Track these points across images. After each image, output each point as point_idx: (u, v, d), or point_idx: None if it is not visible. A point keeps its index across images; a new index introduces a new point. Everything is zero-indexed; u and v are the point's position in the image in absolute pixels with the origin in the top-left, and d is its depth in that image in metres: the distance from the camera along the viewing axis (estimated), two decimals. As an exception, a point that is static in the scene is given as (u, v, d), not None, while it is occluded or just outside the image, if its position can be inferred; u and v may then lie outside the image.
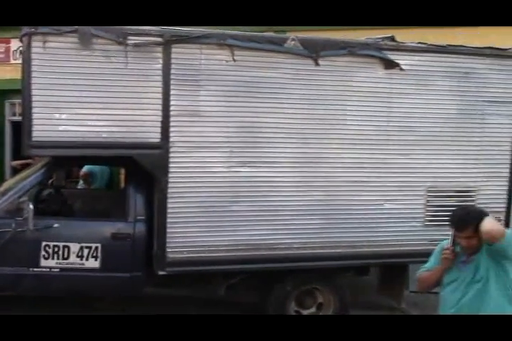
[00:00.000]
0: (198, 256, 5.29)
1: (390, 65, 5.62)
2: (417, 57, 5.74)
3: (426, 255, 5.84)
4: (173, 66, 5.10)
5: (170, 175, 5.15)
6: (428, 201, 5.85)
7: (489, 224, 3.29)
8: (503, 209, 6.10)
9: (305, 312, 5.84)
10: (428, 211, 5.85)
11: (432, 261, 3.83)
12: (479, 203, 6.00)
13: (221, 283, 5.72)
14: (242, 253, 5.40)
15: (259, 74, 5.33)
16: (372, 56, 5.57)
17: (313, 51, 5.40)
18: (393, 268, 6.30)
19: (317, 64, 5.41)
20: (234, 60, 5.23)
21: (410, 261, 6.22)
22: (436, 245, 5.89)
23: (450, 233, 3.64)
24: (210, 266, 5.36)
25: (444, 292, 3.69)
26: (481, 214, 3.43)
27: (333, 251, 5.61)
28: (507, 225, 6.16)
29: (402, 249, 5.81)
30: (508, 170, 6.07)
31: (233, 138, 5.32)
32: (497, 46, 6.14)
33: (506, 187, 6.09)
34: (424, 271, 3.83)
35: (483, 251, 3.45)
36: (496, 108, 5.99)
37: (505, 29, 7.61)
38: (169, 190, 5.16)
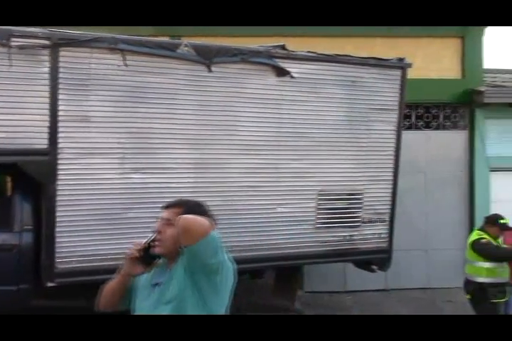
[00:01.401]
0: (90, 265, 5.14)
1: (281, 72, 5.78)
2: (307, 66, 5.95)
3: (318, 256, 6.18)
4: (61, 70, 4.95)
5: (58, 182, 4.98)
6: (319, 204, 6.07)
7: (192, 216, 2.32)
8: (388, 211, 6.47)
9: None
10: (319, 214, 6.08)
11: None
12: (366, 205, 6.35)
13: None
14: (136, 260, 5.32)
15: (151, 80, 5.29)
16: (264, 64, 5.71)
17: (206, 57, 5.45)
18: (287, 270, 6.47)
19: (210, 70, 5.46)
20: (126, 65, 5.16)
21: (303, 263, 6.47)
22: (327, 247, 6.25)
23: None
24: (104, 275, 5.18)
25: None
26: (203, 209, 2.55)
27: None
28: (391, 225, 6.53)
29: (295, 251, 5.98)
30: (391, 174, 6.45)
31: (125, 144, 5.24)
32: (382, 56, 6.50)
33: (390, 190, 6.47)
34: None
35: (180, 264, 2.41)
36: (380, 115, 6.35)
37: (389, 40, 8.13)
38: (58, 198, 4.99)
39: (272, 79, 5.76)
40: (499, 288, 5.39)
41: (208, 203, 5.46)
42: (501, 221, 5.51)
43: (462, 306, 7.76)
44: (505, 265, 5.43)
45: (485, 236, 5.45)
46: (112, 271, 5.13)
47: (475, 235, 5.58)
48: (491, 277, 5.39)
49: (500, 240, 5.64)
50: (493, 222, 5.53)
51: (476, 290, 5.49)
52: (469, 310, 6.89)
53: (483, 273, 5.43)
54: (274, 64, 5.73)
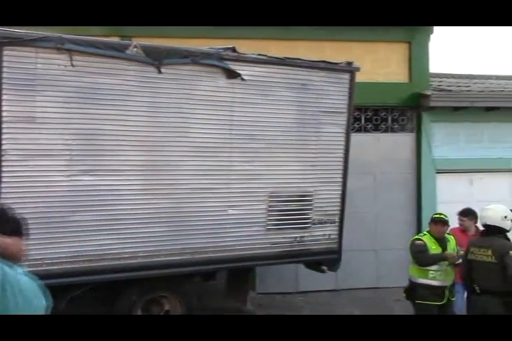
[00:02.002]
0: (35, 270, 4.99)
1: (232, 74, 5.79)
2: (257, 68, 5.98)
3: (269, 258, 6.22)
4: (4, 69, 4.81)
5: (2, 184, 4.85)
6: (270, 206, 6.11)
7: None
8: (337, 212, 6.56)
9: (152, 321, 5.80)
10: (270, 215, 6.12)
11: None
12: (316, 206, 6.42)
13: (61, 296, 5.46)
14: (85, 264, 5.24)
15: (100, 81, 5.21)
16: (215, 66, 5.71)
17: (156, 59, 5.41)
18: (239, 272, 6.49)
19: (160, 72, 5.42)
20: (73, 65, 5.06)
21: (255, 264, 6.49)
22: (278, 248, 6.28)
23: None
24: (49, 280, 5.03)
25: None
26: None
27: (179, 258, 5.64)
28: (341, 226, 6.62)
29: (246, 253, 6.01)
30: (341, 176, 6.55)
31: (73, 146, 5.14)
32: (332, 60, 6.60)
33: (340, 192, 6.56)
34: None
35: None
36: (330, 118, 6.43)
37: (339, 44, 8.27)
38: (1, 202, 4.84)
39: (223, 81, 5.77)
40: (433, 290, 5.39)
41: (158, 205, 5.54)
42: (434, 216, 5.55)
43: (411, 305, 7.97)
44: (449, 268, 5.44)
45: (424, 237, 5.48)
46: (60, 275, 5.09)
47: (416, 235, 5.70)
48: (421, 278, 5.44)
49: (452, 241, 5.57)
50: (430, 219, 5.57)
51: (408, 290, 5.58)
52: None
53: (415, 273, 5.51)
54: (224, 66, 5.73)
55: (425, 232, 5.65)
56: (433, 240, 5.47)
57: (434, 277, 5.42)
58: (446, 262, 5.40)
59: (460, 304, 6.21)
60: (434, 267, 5.39)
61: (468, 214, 6.23)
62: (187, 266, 5.70)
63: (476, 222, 6.21)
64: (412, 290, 5.52)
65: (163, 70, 5.43)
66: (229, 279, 6.71)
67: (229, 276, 6.71)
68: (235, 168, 5.87)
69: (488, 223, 4.98)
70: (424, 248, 5.42)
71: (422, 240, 5.46)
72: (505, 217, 4.95)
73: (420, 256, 5.42)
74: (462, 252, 5.33)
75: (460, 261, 5.29)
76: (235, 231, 5.92)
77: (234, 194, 5.87)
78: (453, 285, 5.54)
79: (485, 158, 8.73)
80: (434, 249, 5.45)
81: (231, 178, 5.86)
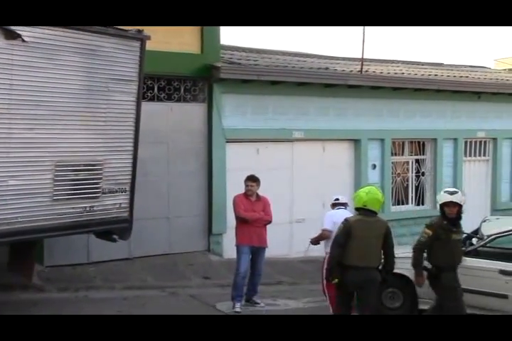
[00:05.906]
0: None
1: (11, 35, 5.36)
2: (41, 30, 5.60)
3: (56, 229, 6.00)
4: None
5: None
6: (56, 176, 5.87)
7: None
8: (128, 181, 6.56)
9: None
10: (57, 186, 5.88)
11: None
12: (106, 175, 6.34)
13: None
14: None
15: None
16: (-9, 24, 5.23)
17: None
18: (22, 245, 6.17)
19: None
20: None
21: (40, 237, 6.23)
22: (66, 219, 6.06)
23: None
24: None
25: None
26: None
27: (-51, 233, 5.17)
28: (132, 195, 6.64)
29: (30, 225, 5.70)
30: (132, 145, 6.53)
31: None
32: (124, 27, 6.43)
33: (131, 160, 6.55)
34: None
35: None
36: (120, 86, 6.34)
37: (131, 11, 8.09)
38: None
39: (0, 42, 5.31)
40: None
41: None
42: None
43: (202, 268, 8.37)
44: None
45: None
46: None
47: None
48: None
49: None
50: None
51: None
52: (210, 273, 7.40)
53: None
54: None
55: None
56: None
57: None
58: None
59: (245, 265, 6.68)
60: None
61: (256, 179, 6.66)
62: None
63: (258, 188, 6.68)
64: None
65: None
66: (12, 254, 6.36)
67: (12, 250, 6.36)
68: (15, 136, 5.50)
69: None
70: None
71: None
72: None
73: None
74: None
75: None
76: (17, 203, 5.58)
77: (15, 163, 5.51)
78: None
79: (270, 128, 9.36)
80: None
81: (11, 147, 5.47)
